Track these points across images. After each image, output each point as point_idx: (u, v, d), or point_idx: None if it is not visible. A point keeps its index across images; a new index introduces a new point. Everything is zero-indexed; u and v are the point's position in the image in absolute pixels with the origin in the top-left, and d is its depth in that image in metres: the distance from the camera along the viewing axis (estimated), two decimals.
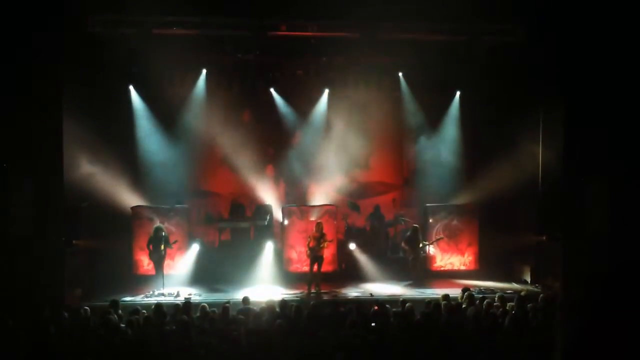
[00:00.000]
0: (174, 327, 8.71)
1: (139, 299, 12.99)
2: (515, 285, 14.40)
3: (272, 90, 16.81)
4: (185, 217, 15.61)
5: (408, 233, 15.09)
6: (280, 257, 15.38)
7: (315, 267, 13.80)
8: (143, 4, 13.22)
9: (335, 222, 15.51)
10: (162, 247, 13.72)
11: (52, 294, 12.02)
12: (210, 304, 10.90)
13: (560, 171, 14.33)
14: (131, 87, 16.13)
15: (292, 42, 15.34)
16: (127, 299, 12.85)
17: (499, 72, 15.53)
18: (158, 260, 13.78)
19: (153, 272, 13.97)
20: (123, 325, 9.14)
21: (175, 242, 14.19)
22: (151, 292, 13.38)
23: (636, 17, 11.73)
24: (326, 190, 17.55)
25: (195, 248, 15.24)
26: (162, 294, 13.28)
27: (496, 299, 10.92)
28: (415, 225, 15.25)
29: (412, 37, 14.97)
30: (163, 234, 13.86)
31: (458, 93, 16.92)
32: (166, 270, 14.00)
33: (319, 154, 17.59)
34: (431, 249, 15.60)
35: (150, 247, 13.85)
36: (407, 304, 10.31)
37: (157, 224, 14.28)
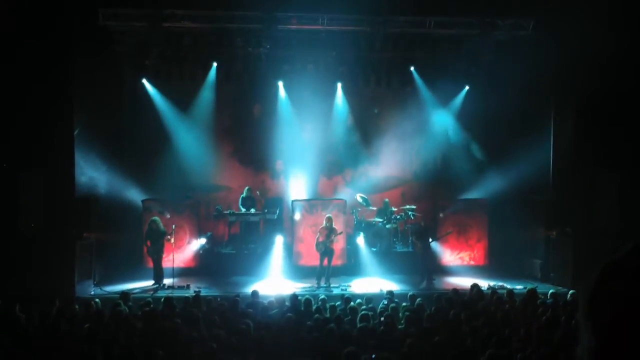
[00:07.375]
0: (184, 320, 8.73)
1: (149, 291, 13.05)
2: (526, 283, 14.28)
3: (282, 83, 16.77)
4: (195, 211, 15.66)
5: (417, 228, 15.04)
6: (290, 251, 15.39)
7: (325, 261, 13.79)
8: None
9: (344, 217, 15.49)
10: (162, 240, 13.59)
11: (63, 286, 12.10)
12: (220, 297, 10.94)
13: (571, 166, 14.28)
14: (144, 81, 16.14)
15: (303, 35, 15.32)
16: (138, 291, 12.91)
17: (509, 66, 15.44)
18: (156, 255, 13.64)
19: (159, 266, 13.78)
20: (133, 317, 9.19)
21: (172, 233, 13.68)
22: (162, 285, 13.41)
23: None
24: (336, 184, 17.54)
25: (203, 241, 15.29)
26: (172, 287, 13.31)
27: (505, 294, 10.90)
28: (424, 220, 15.20)
29: (422, 31, 14.93)
30: (159, 228, 13.62)
31: (466, 87, 16.83)
32: (175, 264, 13.95)
33: (329, 148, 17.59)
34: (440, 244, 15.57)
35: (148, 242, 13.68)
36: (417, 299, 10.32)
37: (153, 216, 13.99)
